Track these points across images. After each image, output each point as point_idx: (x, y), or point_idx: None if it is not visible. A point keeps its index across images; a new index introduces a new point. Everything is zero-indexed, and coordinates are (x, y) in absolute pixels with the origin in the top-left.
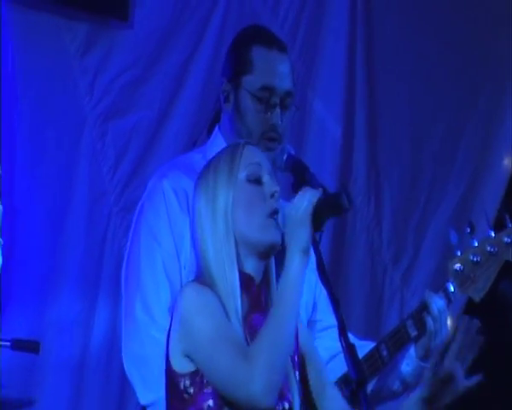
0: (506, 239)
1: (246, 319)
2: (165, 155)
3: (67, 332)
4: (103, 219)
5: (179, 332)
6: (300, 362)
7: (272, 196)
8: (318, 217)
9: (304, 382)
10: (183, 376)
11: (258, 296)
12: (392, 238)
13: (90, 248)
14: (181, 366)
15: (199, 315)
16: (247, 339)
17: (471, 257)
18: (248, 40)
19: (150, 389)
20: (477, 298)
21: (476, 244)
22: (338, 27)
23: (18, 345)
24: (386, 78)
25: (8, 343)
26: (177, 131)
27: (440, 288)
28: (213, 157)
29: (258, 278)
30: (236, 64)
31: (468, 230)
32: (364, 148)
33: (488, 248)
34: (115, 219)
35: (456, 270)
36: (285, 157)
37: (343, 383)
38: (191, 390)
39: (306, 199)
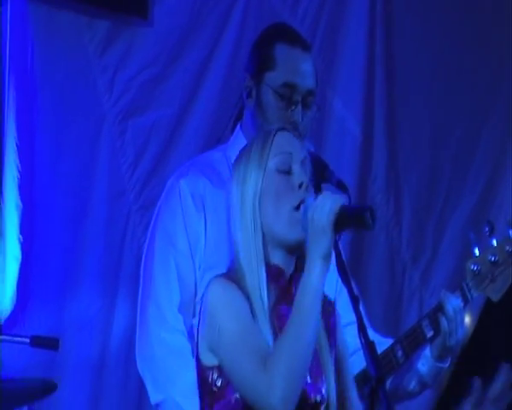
0: None
1: (274, 310)
2: (185, 153)
3: (87, 329)
4: (122, 217)
5: (205, 327)
6: (336, 357)
7: (300, 186)
8: (339, 225)
9: (337, 375)
10: (211, 369)
11: (287, 288)
12: (411, 237)
13: (110, 245)
14: (208, 359)
15: (224, 314)
16: (275, 330)
17: (489, 257)
18: (272, 37)
19: (158, 389)
20: (495, 298)
21: (495, 244)
22: (357, 26)
23: (37, 342)
24: (406, 77)
25: (27, 340)
26: (197, 129)
27: (458, 288)
28: (247, 143)
29: (288, 270)
30: (259, 60)
31: (487, 230)
32: (384, 147)
33: (507, 248)
34: (134, 217)
35: (473, 270)
36: None
37: (362, 380)
38: (219, 383)
39: (328, 206)
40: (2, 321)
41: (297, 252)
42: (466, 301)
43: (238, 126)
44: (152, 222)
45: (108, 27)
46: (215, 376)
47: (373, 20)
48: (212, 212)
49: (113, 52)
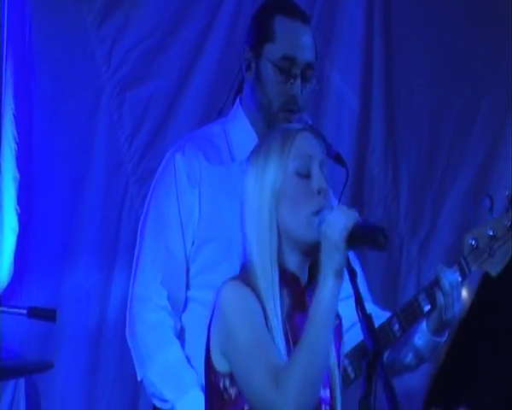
0: None
1: (288, 318)
2: (183, 125)
3: (84, 301)
4: (120, 188)
5: (218, 331)
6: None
7: (319, 192)
8: (352, 242)
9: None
10: (224, 375)
11: (302, 297)
12: (409, 210)
13: (108, 217)
14: (221, 364)
15: (238, 321)
16: (288, 339)
17: (488, 231)
18: (272, 9)
19: (139, 367)
20: (493, 273)
21: (494, 218)
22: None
23: (34, 313)
24: (404, 49)
25: (24, 311)
26: (195, 101)
27: (456, 262)
28: (266, 138)
29: (303, 278)
30: (259, 33)
31: (487, 204)
32: (382, 120)
33: (506, 223)
34: (132, 189)
35: (471, 244)
36: None
37: (359, 353)
38: (231, 391)
39: (342, 223)
40: (0, 293)
41: (312, 256)
42: (464, 275)
43: (237, 100)
44: (148, 195)
45: None
46: (227, 383)
47: None
48: (207, 187)
49: (111, 24)
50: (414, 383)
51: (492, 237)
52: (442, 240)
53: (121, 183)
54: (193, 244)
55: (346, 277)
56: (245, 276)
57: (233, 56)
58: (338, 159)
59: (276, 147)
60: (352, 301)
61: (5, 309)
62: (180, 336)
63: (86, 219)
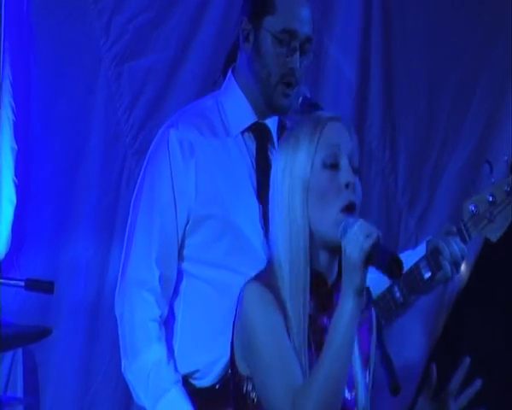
0: None
1: (313, 321)
2: (181, 98)
3: (82, 273)
4: (118, 161)
5: (240, 335)
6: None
7: (347, 186)
8: (369, 263)
9: None
10: (247, 378)
11: (329, 298)
12: (407, 184)
13: (106, 189)
14: (243, 367)
15: (261, 332)
16: (310, 343)
17: (487, 197)
18: None
19: (122, 356)
20: (494, 238)
21: (493, 184)
22: None
23: (32, 285)
24: (402, 23)
25: (22, 283)
26: (193, 74)
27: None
28: (296, 126)
29: (331, 278)
30: (258, 4)
31: (487, 169)
32: (380, 93)
33: (505, 188)
34: (130, 161)
35: (471, 210)
36: (300, 100)
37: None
38: (254, 395)
39: (360, 243)
40: None
41: (341, 253)
42: (464, 241)
43: (230, 72)
44: (141, 171)
45: None
46: (250, 387)
47: None
48: (202, 162)
49: None
50: (412, 356)
51: (492, 203)
52: (440, 213)
53: (119, 155)
54: (188, 221)
55: None
56: (270, 276)
57: (231, 29)
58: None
59: (305, 136)
60: None
61: (3, 281)
62: (174, 311)
63: (84, 191)
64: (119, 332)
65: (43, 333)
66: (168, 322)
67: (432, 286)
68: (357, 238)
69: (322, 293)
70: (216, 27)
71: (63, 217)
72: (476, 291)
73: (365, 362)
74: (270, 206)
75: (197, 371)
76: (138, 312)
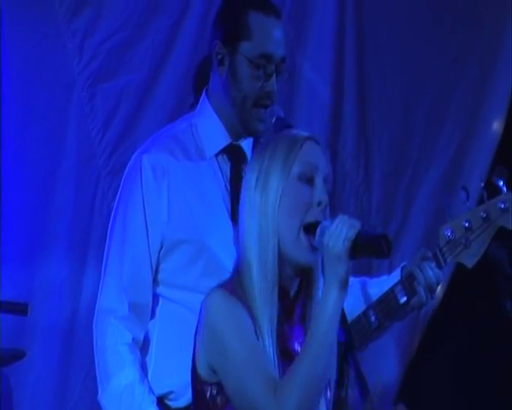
0: (500, 205)
1: (278, 329)
2: (154, 118)
3: (56, 295)
4: (92, 182)
5: (205, 342)
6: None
7: (319, 204)
8: (355, 252)
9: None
10: (210, 384)
11: (290, 308)
12: (381, 203)
13: (79, 211)
14: (207, 373)
15: (229, 332)
16: (277, 356)
17: (463, 223)
18: (245, 4)
19: (98, 383)
20: (469, 264)
21: (469, 210)
22: None
23: (7, 307)
24: (376, 41)
25: None
26: (167, 94)
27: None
28: (271, 142)
29: (292, 290)
30: (233, 28)
31: (463, 195)
32: (354, 112)
33: (481, 214)
34: (104, 183)
35: (447, 235)
36: (274, 119)
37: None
38: (218, 400)
39: (344, 233)
40: None
41: (303, 274)
42: (440, 266)
43: (204, 95)
44: (116, 197)
45: None
46: (214, 392)
47: None
48: (175, 186)
49: (82, 17)
50: (387, 376)
51: (468, 229)
52: (414, 232)
53: (93, 176)
54: (162, 247)
55: None
56: (234, 283)
57: (205, 49)
58: None
59: (282, 151)
60: None
61: None
62: (149, 333)
63: (58, 212)
64: (95, 361)
65: (17, 355)
66: (144, 344)
67: (406, 312)
68: (339, 230)
69: (286, 304)
70: (189, 47)
71: (37, 239)
72: (450, 310)
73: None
74: (240, 213)
75: (172, 392)
76: (108, 337)
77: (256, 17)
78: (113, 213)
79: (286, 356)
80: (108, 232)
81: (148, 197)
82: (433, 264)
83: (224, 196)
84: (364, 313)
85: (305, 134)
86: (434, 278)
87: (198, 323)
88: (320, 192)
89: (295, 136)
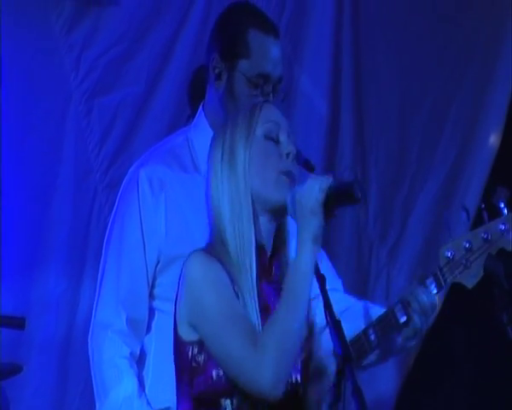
0: (501, 226)
1: (259, 292)
2: (151, 133)
3: (53, 309)
4: (89, 196)
5: (185, 302)
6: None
7: (288, 155)
8: (329, 205)
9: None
10: (191, 344)
11: (269, 266)
12: (378, 215)
13: (76, 224)
14: (188, 334)
15: (208, 290)
16: (258, 315)
17: (464, 243)
18: (244, 21)
19: (95, 397)
20: (469, 285)
21: (470, 231)
22: (324, 4)
23: (3, 321)
24: (373, 54)
25: None
26: (163, 108)
27: (430, 272)
28: (231, 114)
29: (269, 248)
30: (232, 44)
31: (464, 216)
32: (351, 124)
33: (482, 235)
34: (100, 197)
35: (447, 256)
36: None
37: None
38: (200, 358)
39: (317, 187)
40: None
41: (279, 218)
42: (440, 287)
43: (200, 109)
44: (113, 211)
45: (75, 6)
46: (195, 351)
47: None
48: (172, 200)
49: (79, 31)
50: (383, 389)
51: (468, 250)
52: (411, 245)
53: (90, 190)
54: (158, 262)
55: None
56: (213, 247)
57: (201, 63)
58: (307, 165)
59: (243, 118)
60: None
61: None
62: (146, 348)
63: (55, 226)
64: (93, 377)
65: (14, 369)
66: (140, 359)
67: (404, 344)
68: (312, 186)
69: (264, 262)
70: (186, 61)
71: (34, 253)
72: (448, 322)
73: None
74: (208, 181)
75: (168, 408)
76: (106, 351)
77: (255, 35)
78: (109, 226)
79: (267, 313)
80: (104, 246)
81: (145, 211)
82: (428, 289)
83: None
84: (364, 332)
85: (261, 99)
86: (429, 303)
87: (178, 286)
88: (286, 145)
89: (252, 104)
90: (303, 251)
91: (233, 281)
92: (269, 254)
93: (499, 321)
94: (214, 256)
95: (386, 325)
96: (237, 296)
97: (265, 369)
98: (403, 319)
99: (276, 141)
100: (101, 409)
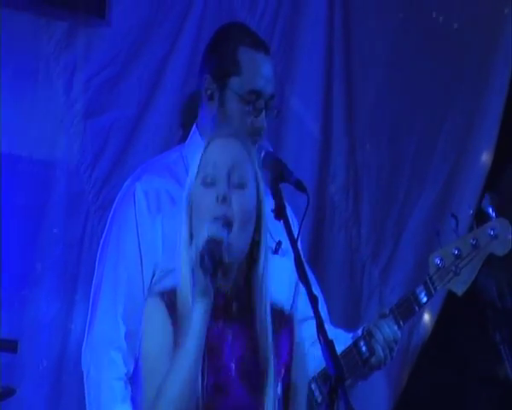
0: (490, 231)
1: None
2: (143, 153)
3: (45, 332)
4: (81, 217)
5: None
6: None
7: (217, 199)
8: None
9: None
10: None
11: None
12: (370, 234)
13: (69, 246)
14: None
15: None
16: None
17: (453, 250)
18: (234, 40)
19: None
20: (459, 292)
21: (459, 237)
22: (315, 23)
23: None
24: (364, 74)
25: None
26: (155, 129)
27: (420, 281)
28: None
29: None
30: (222, 63)
31: (452, 223)
32: (343, 144)
33: (471, 241)
34: (93, 218)
35: (436, 263)
36: (263, 154)
37: (322, 379)
38: None
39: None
40: None
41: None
42: (429, 294)
43: (194, 127)
44: (107, 225)
45: (66, 28)
46: None
47: (331, 17)
48: (168, 214)
49: (70, 53)
50: (376, 409)
51: (458, 256)
52: (404, 263)
53: (82, 212)
54: (153, 275)
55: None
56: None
57: (193, 84)
58: (298, 185)
59: (196, 158)
60: (312, 322)
61: None
62: (139, 364)
63: (47, 247)
64: (85, 390)
65: (6, 393)
66: (134, 376)
67: (367, 372)
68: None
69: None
70: (178, 82)
71: (26, 274)
72: (440, 341)
73: (278, 373)
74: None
75: None
76: (105, 371)
77: (245, 53)
78: (103, 240)
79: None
80: (98, 260)
81: (142, 226)
82: (392, 322)
83: None
84: (355, 344)
85: (216, 133)
86: (392, 334)
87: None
88: (218, 188)
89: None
90: (195, 317)
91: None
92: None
93: (492, 340)
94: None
95: (350, 361)
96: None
97: None
98: (367, 355)
99: (213, 184)
100: None
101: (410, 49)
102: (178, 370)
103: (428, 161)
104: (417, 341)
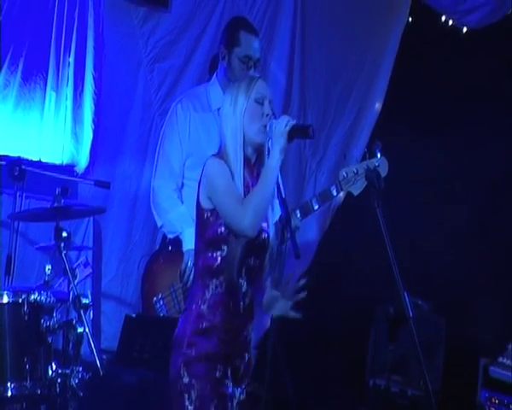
0: (375, 163)
1: (244, 181)
2: (186, 86)
3: (127, 180)
4: (150, 118)
5: (205, 184)
6: None
7: (267, 115)
8: (291, 134)
9: None
10: (207, 210)
11: (252, 169)
12: (311, 143)
13: (143, 133)
14: (205, 203)
15: (217, 176)
16: (244, 192)
17: (353, 169)
18: (237, 26)
19: (159, 218)
20: (355, 193)
21: (357, 162)
22: (286, 18)
23: (98, 183)
24: (314, 45)
25: (92, 182)
26: (193, 73)
27: (335, 176)
28: (236, 82)
29: (252, 160)
30: (230, 39)
31: (343, 157)
32: (298, 88)
33: (364, 166)
34: (157, 120)
35: (343, 175)
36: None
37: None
38: (212, 218)
39: (285, 121)
40: (80, 173)
41: (258, 150)
42: (338, 191)
43: (214, 75)
44: (164, 124)
45: (145, 11)
46: (208, 214)
47: (295, 15)
48: (194, 125)
49: (147, 25)
50: (310, 237)
51: (355, 173)
52: (330, 159)
53: (151, 115)
54: (186, 160)
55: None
56: (221, 155)
57: (215, 50)
58: (303, 127)
59: (244, 84)
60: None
61: (85, 181)
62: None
63: (132, 133)
64: (155, 209)
65: (101, 210)
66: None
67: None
68: (282, 120)
69: (249, 166)
70: (208, 47)
71: (117, 148)
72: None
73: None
74: (221, 122)
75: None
76: (167, 194)
77: (244, 34)
78: (161, 135)
79: (248, 190)
80: (159, 145)
81: (180, 130)
82: (316, 204)
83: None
84: (310, 201)
85: (257, 75)
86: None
87: (201, 176)
88: (267, 109)
89: (251, 77)
90: (273, 156)
91: (231, 172)
92: (252, 162)
93: (372, 206)
94: (221, 158)
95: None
96: (233, 180)
97: (247, 217)
98: (316, 206)
99: (262, 104)
100: (166, 219)
101: (345, 29)
102: (265, 183)
103: (345, 104)
104: (334, 206)
